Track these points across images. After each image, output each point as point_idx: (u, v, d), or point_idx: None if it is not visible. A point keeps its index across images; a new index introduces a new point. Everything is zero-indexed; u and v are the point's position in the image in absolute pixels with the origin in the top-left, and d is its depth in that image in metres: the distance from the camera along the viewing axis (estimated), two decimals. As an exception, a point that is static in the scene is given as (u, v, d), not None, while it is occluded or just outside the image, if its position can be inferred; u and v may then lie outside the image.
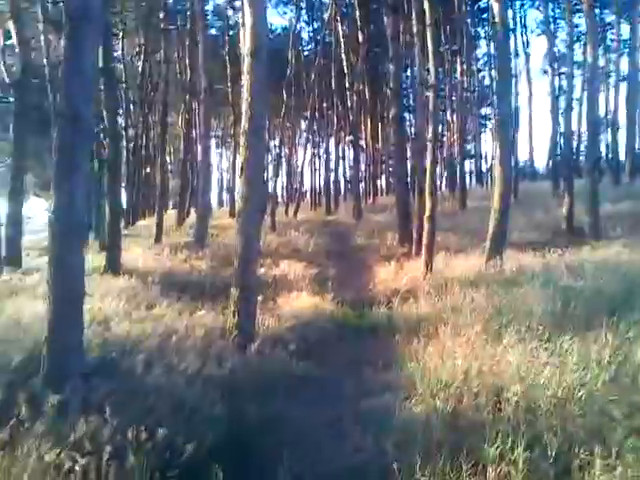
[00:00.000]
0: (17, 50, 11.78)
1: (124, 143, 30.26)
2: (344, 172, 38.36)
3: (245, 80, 5.70)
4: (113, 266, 10.40)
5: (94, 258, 11.01)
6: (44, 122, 16.56)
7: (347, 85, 25.15)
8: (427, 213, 10.06)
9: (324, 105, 30.20)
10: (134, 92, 27.78)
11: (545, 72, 37.52)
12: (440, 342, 5.29)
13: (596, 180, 12.57)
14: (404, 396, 4.15)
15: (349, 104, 25.10)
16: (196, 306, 7.62)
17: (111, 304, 6.97)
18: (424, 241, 10.09)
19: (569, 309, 5.69)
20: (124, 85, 26.10)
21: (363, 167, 33.32)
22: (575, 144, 36.61)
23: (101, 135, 13.89)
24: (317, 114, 33.16)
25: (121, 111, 28.20)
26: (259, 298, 8.49)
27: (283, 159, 44.07)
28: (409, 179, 15.13)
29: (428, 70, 9.32)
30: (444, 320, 6.22)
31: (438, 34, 8.37)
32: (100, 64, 9.81)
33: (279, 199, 41.79)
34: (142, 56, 23.85)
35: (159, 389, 3.90)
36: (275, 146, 26.93)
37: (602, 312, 5.27)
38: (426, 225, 10.07)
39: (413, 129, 25.39)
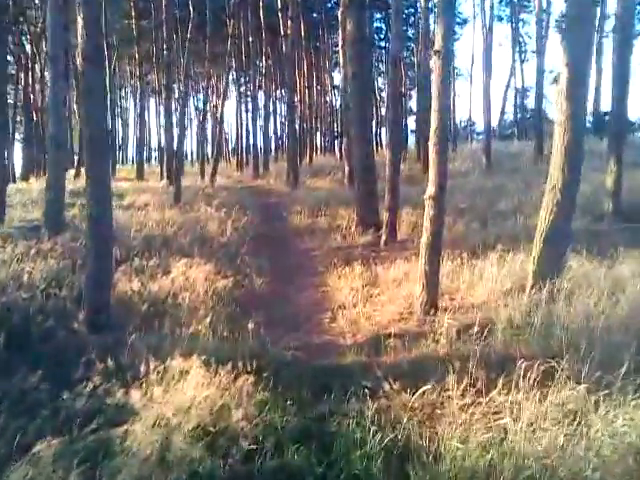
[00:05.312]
0: None
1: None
2: (275, 128, 33.15)
3: None
4: None
5: None
6: None
7: (280, 18, 19.93)
8: (430, 190, 5.51)
9: (249, 44, 24.39)
10: None
11: (501, 19, 33.99)
12: None
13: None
14: None
15: (282, 36, 19.82)
16: None
17: None
18: (424, 239, 5.57)
19: None
20: None
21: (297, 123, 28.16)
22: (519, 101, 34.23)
23: None
24: (244, 60, 27.27)
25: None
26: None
27: (194, 109, 38.42)
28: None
29: None
30: None
31: None
32: None
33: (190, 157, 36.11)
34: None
35: None
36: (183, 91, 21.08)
37: None
38: (428, 210, 5.53)
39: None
